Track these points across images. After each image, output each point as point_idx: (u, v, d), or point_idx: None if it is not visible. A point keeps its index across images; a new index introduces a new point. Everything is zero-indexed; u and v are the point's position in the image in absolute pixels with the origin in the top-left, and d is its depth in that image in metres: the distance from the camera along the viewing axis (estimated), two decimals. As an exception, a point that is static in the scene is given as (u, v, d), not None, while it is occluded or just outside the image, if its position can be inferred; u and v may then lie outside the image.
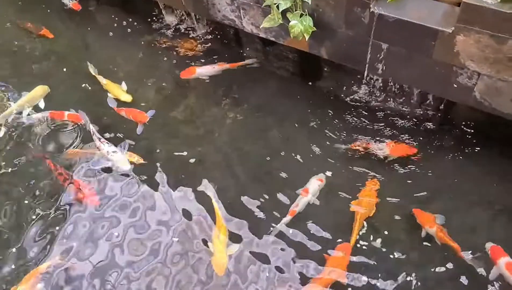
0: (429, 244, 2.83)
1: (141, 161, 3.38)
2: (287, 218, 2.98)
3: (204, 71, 3.97)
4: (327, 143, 3.41)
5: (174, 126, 3.69)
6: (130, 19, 4.59)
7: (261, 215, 3.07)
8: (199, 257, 2.91)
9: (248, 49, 4.15)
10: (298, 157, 3.37)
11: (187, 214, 3.11)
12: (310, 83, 3.85)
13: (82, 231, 3.05)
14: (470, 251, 2.69)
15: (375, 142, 3.36)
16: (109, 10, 4.73)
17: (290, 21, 2.91)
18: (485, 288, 2.63)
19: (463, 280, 2.68)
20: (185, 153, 3.43)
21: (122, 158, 3.35)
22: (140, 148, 3.47)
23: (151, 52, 4.27)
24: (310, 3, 2.83)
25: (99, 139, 3.46)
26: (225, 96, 3.85)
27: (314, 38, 3.14)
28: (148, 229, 3.05)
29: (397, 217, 3.00)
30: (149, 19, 4.54)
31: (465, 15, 2.47)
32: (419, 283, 2.69)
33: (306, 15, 2.92)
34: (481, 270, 2.66)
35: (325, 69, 3.83)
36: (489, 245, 2.73)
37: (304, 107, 3.66)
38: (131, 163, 3.36)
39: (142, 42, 4.38)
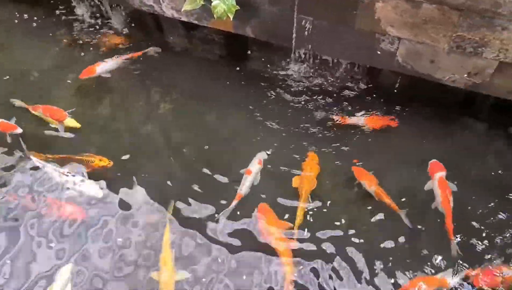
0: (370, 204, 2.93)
1: (111, 163, 3.10)
2: (234, 202, 2.94)
3: (106, 66, 3.59)
4: (263, 122, 3.39)
5: (102, 124, 3.45)
6: (35, 13, 4.19)
7: (207, 204, 2.98)
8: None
9: (171, 35, 3.99)
10: (237, 140, 3.32)
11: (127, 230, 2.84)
12: (239, 65, 3.79)
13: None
14: (407, 209, 2.81)
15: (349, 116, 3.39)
16: (6, 3, 4.29)
17: (212, 2, 2.82)
18: (418, 240, 2.75)
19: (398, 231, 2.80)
20: (117, 151, 3.22)
21: (92, 187, 3.00)
22: (67, 151, 3.20)
23: (65, 49, 3.95)
24: (231, -19, 2.77)
25: (58, 171, 3.04)
26: (152, 87, 3.67)
27: (239, 18, 3.08)
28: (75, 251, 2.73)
29: (338, 183, 3.07)
30: (57, 12, 4.19)
31: (382, -18, 2.55)
32: (365, 241, 2.78)
33: (227, -6, 2.85)
34: (409, 225, 2.78)
35: (253, 48, 3.79)
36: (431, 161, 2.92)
37: (236, 89, 3.61)
38: (103, 167, 3.07)
39: (53, 38, 4.03)
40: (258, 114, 3.44)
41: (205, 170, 3.12)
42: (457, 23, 2.58)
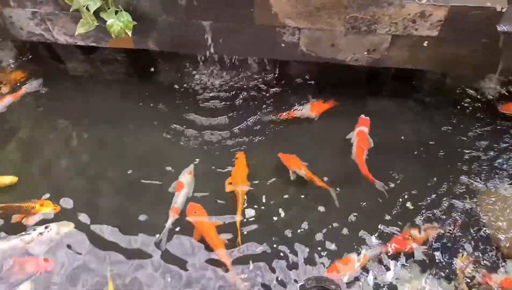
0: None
1: (58, 208, 2.87)
2: (172, 219, 2.85)
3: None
4: (184, 134, 3.32)
5: (12, 164, 3.16)
6: None
7: (145, 229, 2.85)
8: None
9: (69, 62, 3.77)
10: (161, 157, 3.22)
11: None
12: (149, 80, 3.69)
13: None
14: (337, 187, 2.93)
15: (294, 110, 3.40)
16: None
17: (106, 21, 2.71)
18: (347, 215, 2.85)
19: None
20: (33, 190, 2.98)
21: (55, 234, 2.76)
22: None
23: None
24: (121, -2, 2.68)
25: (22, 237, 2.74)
26: (60, 121, 3.43)
27: (138, 32, 2.99)
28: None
29: (271, 176, 3.08)
30: None
31: (272, -23, 2.61)
32: (304, 229, 2.83)
33: (121, 10, 2.75)
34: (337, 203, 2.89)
35: (161, 60, 3.71)
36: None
37: (150, 106, 3.50)
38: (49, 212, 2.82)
39: None
40: (177, 127, 3.36)
41: (134, 194, 2.99)
42: (348, 5, 2.72)
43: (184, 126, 3.36)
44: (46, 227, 2.73)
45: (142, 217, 2.88)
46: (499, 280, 2.52)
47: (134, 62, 3.70)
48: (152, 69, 3.71)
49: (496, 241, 2.70)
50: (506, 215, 2.81)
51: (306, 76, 3.62)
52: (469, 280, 2.55)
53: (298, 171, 2.99)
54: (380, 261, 2.61)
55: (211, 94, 3.55)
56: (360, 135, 3.09)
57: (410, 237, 2.66)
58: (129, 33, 2.77)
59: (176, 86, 3.61)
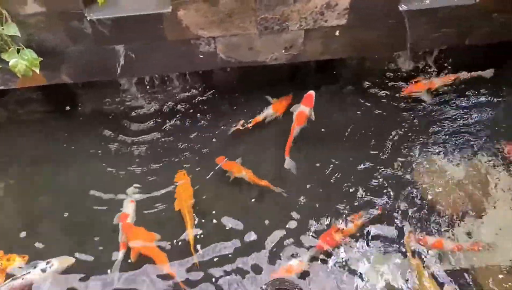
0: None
1: (26, 257, 2.72)
2: (121, 252, 2.74)
3: None
4: (119, 162, 3.20)
5: None
6: None
7: (93, 268, 2.72)
8: None
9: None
10: (98, 189, 3.08)
11: None
12: (72, 113, 3.51)
13: None
14: (283, 189, 2.95)
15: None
16: None
17: (8, 62, 2.55)
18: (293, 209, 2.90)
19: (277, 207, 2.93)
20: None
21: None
22: None
23: None
24: (21, 36, 2.53)
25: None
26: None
27: (48, 67, 2.85)
28: None
29: (216, 187, 3.06)
30: None
31: (174, -9, 2.58)
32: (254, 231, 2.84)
33: (23, 48, 2.60)
34: (288, 192, 2.94)
35: (80, 92, 3.56)
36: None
37: (78, 140, 3.34)
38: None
39: None
40: (110, 155, 3.24)
41: (79, 233, 2.87)
42: (256, 8, 2.74)
43: (118, 153, 3.25)
44: (47, 263, 2.66)
45: (90, 257, 2.76)
46: (432, 241, 2.69)
47: (52, 98, 3.51)
48: (73, 102, 3.54)
49: (433, 207, 2.84)
50: (439, 183, 2.96)
51: (234, 82, 3.61)
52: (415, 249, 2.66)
53: (240, 175, 2.99)
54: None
55: (139, 116, 3.45)
56: (299, 114, 3.13)
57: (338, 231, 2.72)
58: (37, 70, 2.62)
59: (102, 114, 3.47)
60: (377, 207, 2.83)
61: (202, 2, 2.63)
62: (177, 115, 3.44)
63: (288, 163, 3.04)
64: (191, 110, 3.46)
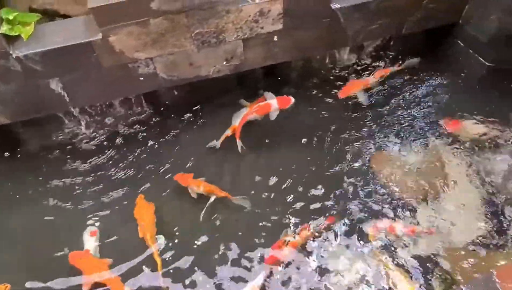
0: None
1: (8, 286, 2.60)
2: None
3: None
4: (71, 194, 3.08)
5: None
6: None
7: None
8: None
9: None
10: (53, 229, 2.95)
11: None
12: (14, 155, 3.35)
13: None
14: (240, 194, 2.91)
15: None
16: None
17: None
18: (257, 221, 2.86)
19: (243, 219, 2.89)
20: None
21: None
22: None
23: None
24: None
25: None
26: None
27: (-20, 112, 2.72)
28: None
29: (176, 206, 2.99)
30: None
31: (103, 18, 2.50)
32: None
33: None
34: (249, 205, 2.89)
35: (22, 131, 3.40)
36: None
37: (23, 181, 3.18)
38: None
39: None
40: (61, 191, 3.10)
41: (40, 279, 2.73)
42: (189, 24, 2.69)
43: (69, 189, 3.12)
44: None
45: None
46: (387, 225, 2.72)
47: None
48: (15, 143, 3.38)
49: (393, 195, 2.88)
50: (396, 171, 3.00)
51: (182, 98, 3.54)
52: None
53: (197, 189, 2.92)
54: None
55: (87, 147, 3.33)
56: (261, 106, 3.07)
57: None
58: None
59: (47, 151, 3.33)
60: (327, 216, 2.80)
61: (132, 25, 2.57)
62: (127, 140, 3.34)
63: (239, 144, 3.02)
64: (141, 133, 3.38)
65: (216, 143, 3.18)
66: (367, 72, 3.54)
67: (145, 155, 3.26)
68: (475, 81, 3.41)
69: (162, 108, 3.51)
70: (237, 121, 3.12)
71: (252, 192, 2.96)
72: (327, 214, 2.80)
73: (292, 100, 3.03)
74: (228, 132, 3.16)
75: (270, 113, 3.06)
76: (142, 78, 2.95)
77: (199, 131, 3.36)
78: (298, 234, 2.68)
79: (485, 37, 3.24)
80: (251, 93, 3.57)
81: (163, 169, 3.18)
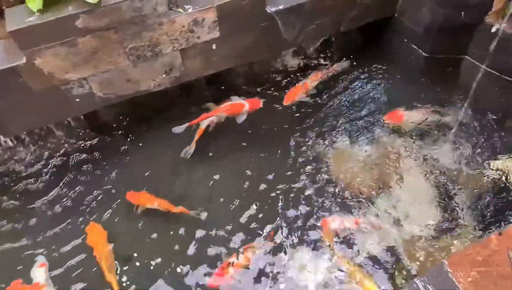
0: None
1: None
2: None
3: None
4: (18, 231, 2.89)
5: None
6: None
7: None
8: None
9: None
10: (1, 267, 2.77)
11: None
12: None
13: None
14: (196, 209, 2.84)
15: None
16: None
17: None
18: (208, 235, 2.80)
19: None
20: None
21: None
22: None
23: None
24: None
25: None
26: None
27: None
28: None
29: (130, 228, 2.87)
30: None
31: (24, 41, 2.36)
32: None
33: None
34: (204, 216, 2.83)
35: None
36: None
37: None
38: None
39: None
40: (6, 231, 2.92)
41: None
42: (120, 39, 2.59)
43: (13, 225, 2.93)
44: None
45: None
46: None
47: None
48: None
49: (348, 193, 2.89)
50: (349, 169, 3.01)
51: (127, 116, 3.42)
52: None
53: (152, 206, 2.82)
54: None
55: (28, 177, 3.13)
56: (234, 105, 3.10)
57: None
58: None
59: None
60: (268, 233, 2.74)
61: (58, 46, 2.43)
62: (71, 165, 3.18)
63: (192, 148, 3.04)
64: (85, 156, 3.22)
65: (190, 151, 3.11)
66: (312, 72, 3.54)
67: (92, 178, 3.11)
68: (414, 72, 3.49)
69: (106, 127, 3.37)
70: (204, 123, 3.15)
71: (208, 203, 2.89)
72: (277, 224, 2.76)
73: (261, 103, 3.09)
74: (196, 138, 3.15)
75: (240, 114, 3.09)
76: (78, 100, 2.81)
77: (147, 146, 3.26)
78: (242, 253, 2.60)
79: (420, 28, 3.31)
80: (198, 102, 3.50)
81: (112, 190, 3.05)
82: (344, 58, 3.58)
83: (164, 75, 2.95)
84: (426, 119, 3.14)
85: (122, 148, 3.26)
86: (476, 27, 3.10)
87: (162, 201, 2.85)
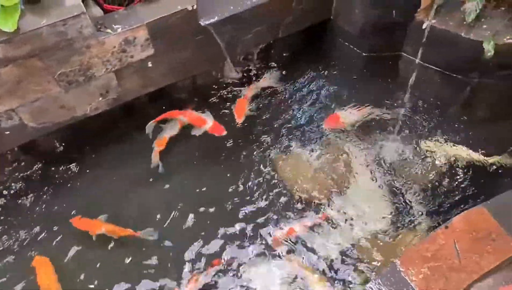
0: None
1: None
2: None
3: None
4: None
5: None
6: None
7: None
8: None
9: None
10: None
11: None
12: None
13: None
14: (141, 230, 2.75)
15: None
16: None
17: None
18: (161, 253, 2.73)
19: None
20: None
21: None
22: None
23: None
24: None
25: None
26: None
27: None
28: None
29: (79, 258, 2.74)
30: None
31: None
32: None
33: None
34: (154, 238, 2.74)
35: None
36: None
37: None
38: None
39: None
40: None
41: None
42: (47, 66, 2.45)
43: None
44: None
45: None
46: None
47: None
48: None
49: (302, 199, 2.88)
50: (302, 174, 3.00)
51: (62, 144, 3.25)
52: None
53: (100, 231, 2.71)
54: None
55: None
56: (197, 117, 3.15)
57: None
58: None
59: None
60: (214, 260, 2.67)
61: (-24, 78, 2.27)
62: (10, 200, 2.99)
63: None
64: (25, 188, 3.04)
65: (155, 164, 3.05)
66: (252, 81, 3.50)
67: (34, 211, 2.94)
68: (354, 72, 3.52)
69: (47, 156, 3.18)
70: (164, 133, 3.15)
71: (159, 222, 2.81)
72: (229, 242, 2.71)
73: (224, 133, 3.11)
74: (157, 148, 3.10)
75: (198, 128, 3.13)
76: (8, 132, 2.65)
77: (92, 170, 3.11)
78: (186, 287, 2.53)
79: (356, 29, 3.36)
80: (142, 121, 3.39)
81: (58, 219, 2.89)
82: (277, 67, 3.55)
83: (100, 98, 2.83)
84: (365, 117, 3.19)
85: (66, 175, 3.10)
86: (408, 24, 3.18)
87: (110, 225, 2.74)
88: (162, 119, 3.18)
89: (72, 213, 2.88)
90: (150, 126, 3.15)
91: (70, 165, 3.15)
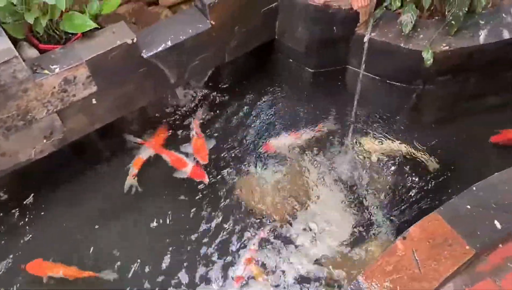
0: None
1: None
2: None
3: None
4: None
5: None
6: None
7: None
8: None
9: None
10: None
11: None
12: None
13: None
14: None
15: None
16: None
17: None
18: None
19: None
20: None
21: None
22: None
23: None
24: None
25: None
26: None
27: None
28: None
29: None
30: None
31: None
32: None
33: None
34: (114, 277, 2.66)
35: None
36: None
37: None
38: None
39: None
40: None
41: None
42: (-18, 115, 2.33)
43: None
44: None
45: None
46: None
47: None
48: None
49: (263, 217, 2.89)
50: (262, 192, 3.02)
51: (9, 191, 3.09)
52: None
53: (56, 275, 2.61)
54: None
55: None
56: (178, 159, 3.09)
57: None
58: None
59: None
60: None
61: None
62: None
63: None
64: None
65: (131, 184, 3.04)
66: (207, 106, 3.47)
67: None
68: (304, 89, 3.58)
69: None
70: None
71: (119, 261, 2.72)
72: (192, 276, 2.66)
73: (206, 180, 3.00)
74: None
75: (178, 170, 3.05)
76: None
77: (46, 213, 2.99)
78: None
79: (301, 46, 3.40)
80: (93, 157, 3.29)
81: (13, 266, 2.74)
82: (226, 91, 3.54)
83: (45, 141, 2.72)
84: (318, 135, 3.24)
85: (19, 222, 2.96)
86: (350, 38, 3.25)
87: (67, 268, 2.64)
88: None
89: (26, 258, 2.72)
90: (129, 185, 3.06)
91: (22, 210, 3.00)
